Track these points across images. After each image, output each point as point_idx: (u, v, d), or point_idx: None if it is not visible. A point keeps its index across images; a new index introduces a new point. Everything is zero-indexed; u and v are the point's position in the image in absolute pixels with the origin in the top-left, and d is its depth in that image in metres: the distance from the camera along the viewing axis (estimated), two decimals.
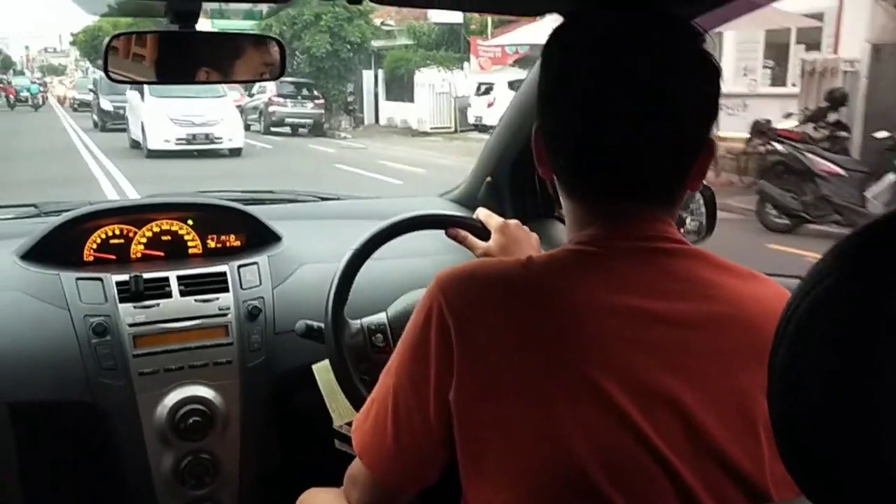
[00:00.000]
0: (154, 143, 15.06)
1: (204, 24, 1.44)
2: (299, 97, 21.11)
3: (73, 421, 1.58)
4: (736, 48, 14.45)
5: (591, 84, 0.88)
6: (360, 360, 1.39)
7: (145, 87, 13.47)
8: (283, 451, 1.75)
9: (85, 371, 1.52)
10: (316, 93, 21.52)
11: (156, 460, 1.58)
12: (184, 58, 1.45)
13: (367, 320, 1.42)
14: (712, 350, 0.85)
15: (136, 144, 16.27)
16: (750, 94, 13.22)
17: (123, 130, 17.73)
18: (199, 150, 15.32)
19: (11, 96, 32.85)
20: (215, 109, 15.63)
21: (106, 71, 1.38)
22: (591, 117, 0.88)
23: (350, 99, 23.95)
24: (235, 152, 15.82)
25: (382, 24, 23.80)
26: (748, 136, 10.58)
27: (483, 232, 1.44)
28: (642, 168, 0.89)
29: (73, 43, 58.35)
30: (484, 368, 0.83)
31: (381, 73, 24.68)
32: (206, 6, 1.41)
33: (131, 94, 16.72)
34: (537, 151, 0.96)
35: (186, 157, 14.88)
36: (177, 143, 15.21)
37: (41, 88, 37.31)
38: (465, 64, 21.70)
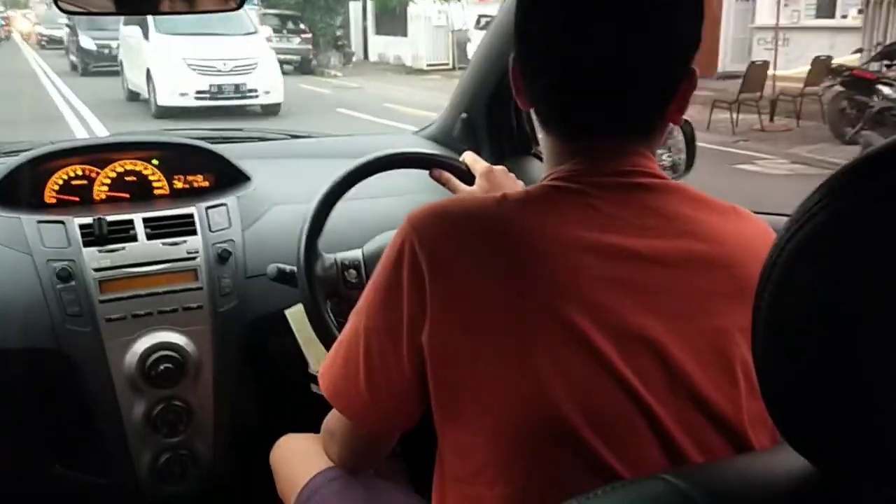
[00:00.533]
0: (165, 98, 11.82)
1: None
2: (285, 31, 20.62)
3: (40, 369, 1.62)
4: None
5: (568, 11, 0.88)
6: (332, 295, 1.43)
7: (150, 21, 11.82)
8: (257, 397, 1.80)
9: (50, 318, 1.56)
10: (302, 26, 21.18)
11: (127, 408, 1.63)
12: None
13: (341, 255, 1.46)
14: (690, 289, 0.87)
15: (134, 96, 13.38)
16: (791, 27, 12.81)
17: (110, 74, 15.69)
18: (226, 106, 12.14)
19: None
20: (246, 51, 12.53)
21: (56, 1, 1.38)
22: (567, 47, 0.89)
23: (339, 33, 23.69)
24: (272, 110, 12.59)
25: None
26: (806, 75, 10.21)
27: (468, 175, 1.46)
28: (622, 100, 0.90)
29: None
30: (458, 308, 0.85)
31: (370, 4, 24.35)
32: None
33: (127, 30, 13.43)
34: (515, 83, 0.97)
35: (205, 117, 11.35)
36: (196, 98, 11.99)
37: (3, 22, 37.70)
38: None
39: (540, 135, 1.00)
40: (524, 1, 0.93)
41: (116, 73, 14.92)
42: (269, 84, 12.48)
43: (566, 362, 0.82)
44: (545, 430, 0.82)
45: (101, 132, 10.23)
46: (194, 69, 12.07)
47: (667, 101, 0.92)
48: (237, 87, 12.33)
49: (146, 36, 12.48)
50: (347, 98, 15.08)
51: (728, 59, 15.35)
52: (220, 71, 12.25)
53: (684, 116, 1.65)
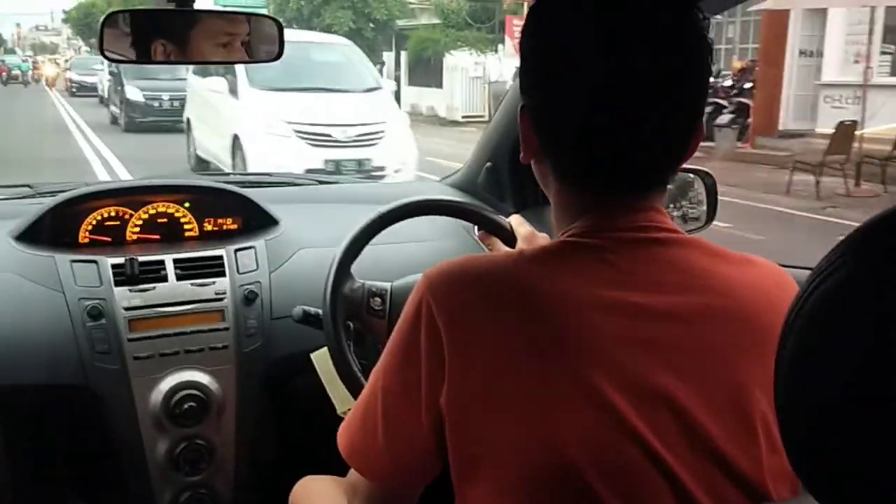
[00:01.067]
0: None
1: (206, 2, 1.57)
2: None
3: (66, 405, 1.72)
4: (845, 31, 14.15)
5: (592, 64, 0.90)
6: (352, 316, 1.53)
7: (240, 72, 9.49)
8: (279, 438, 1.90)
9: (79, 354, 1.66)
10: None
11: (150, 446, 1.72)
12: (180, 37, 1.59)
13: (370, 282, 1.56)
14: (708, 345, 0.91)
15: (202, 165, 10.99)
16: (862, 85, 12.51)
17: (160, 130, 14.82)
18: None
19: (4, 74, 35.30)
20: (370, 114, 9.50)
21: (102, 50, 1.53)
22: (589, 101, 0.91)
23: None
24: None
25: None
26: None
27: (511, 238, 1.57)
28: (645, 157, 0.94)
29: (65, 20, 60.02)
30: (476, 369, 0.88)
31: (403, 55, 24.84)
32: None
33: (204, 82, 10.71)
34: (524, 133, 1.00)
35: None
36: None
37: (30, 67, 41.09)
38: (500, 46, 21.84)
39: (551, 182, 1.01)
40: (538, 55, 0.96)
41: (167, 130, 13.55)
42: (399, 159, 9.33)
43: (583, 421, 0.85)
44: (562, 489, 0.85)
45: None
46: (304, 137, 9.09)
47: (684, 153, 0.96)
48: (360, 163, 9.17)
49: (234, 90, 9.75)
50: None
51: (790, 117, 15.21)
52: (337, 141, 9.15)
53: (707, 169, 1.76)
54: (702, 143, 0.99)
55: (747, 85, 14.84)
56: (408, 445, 0.96)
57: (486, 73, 21.61)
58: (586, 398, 0.85)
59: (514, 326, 0.89)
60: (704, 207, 1.73)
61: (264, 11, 15.10)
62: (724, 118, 14.01)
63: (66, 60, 44.98)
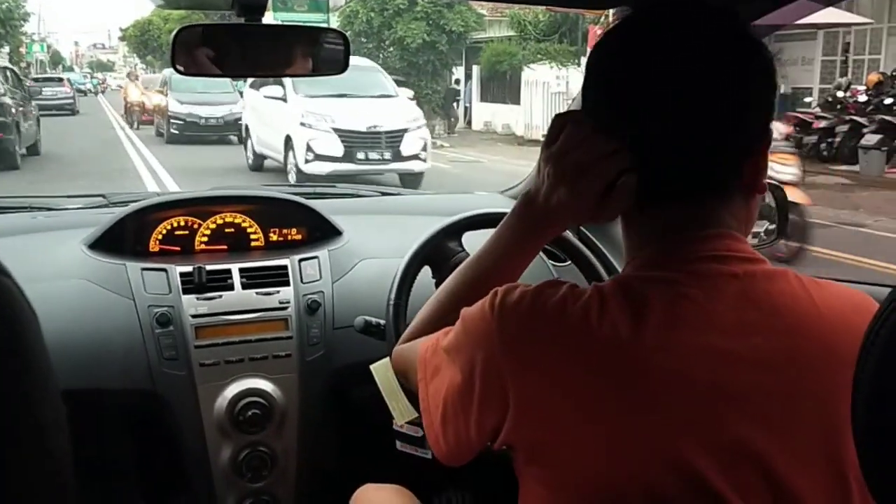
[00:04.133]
0: None
1: (266, 17, 1.74)
2: None
3: (135, 409, 1.90)
4: None
5: (662, 86, 0.95)
6: (433, 263, 1.70)
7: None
8: (340, 446, 2.05)
9: (147, 360, 1.84)
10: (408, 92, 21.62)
11: (215, 452, 1.89)
12: (250, 51, 1.77)
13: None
14: (797, 392, 0.91)
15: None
16: None
17: None
18: None
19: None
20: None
21: (173, 63, 1.71)
22: (660, 119, 0.95)
23: (459, 98, 24.12)
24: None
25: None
26: None
27: (573, 251, 1.75)
28: (696, 154, 0.96)
29: (122, 38, 62.63)
30: (542, 417, 0.92)
31: (475, 69, 24.89)
32: None
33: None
34: None
35: None
36: None
37: (98, 82, 51.27)
38: (583, 58, 21.82)
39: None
40: (612, 78, 1.01)
41: None
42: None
43: (661, 481, 0.87)
44: None
45: None
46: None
47: (742, 157, 0.98)
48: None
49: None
50: (476, 176, 14.27)
51: None
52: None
53: (776, 182, 1.85)
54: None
55: (887, 101, 14.10)
56: (456, 439, 1.03)
57: (568, 87, 21.58)
58: (665, 456, 0.88)
59: (579, 375, 0.91)
60: (775, 223, 1.80)
61: (326, 25, 15.56)
62: (871, 139, 13.30)
63: (159, 82, 24.66)
